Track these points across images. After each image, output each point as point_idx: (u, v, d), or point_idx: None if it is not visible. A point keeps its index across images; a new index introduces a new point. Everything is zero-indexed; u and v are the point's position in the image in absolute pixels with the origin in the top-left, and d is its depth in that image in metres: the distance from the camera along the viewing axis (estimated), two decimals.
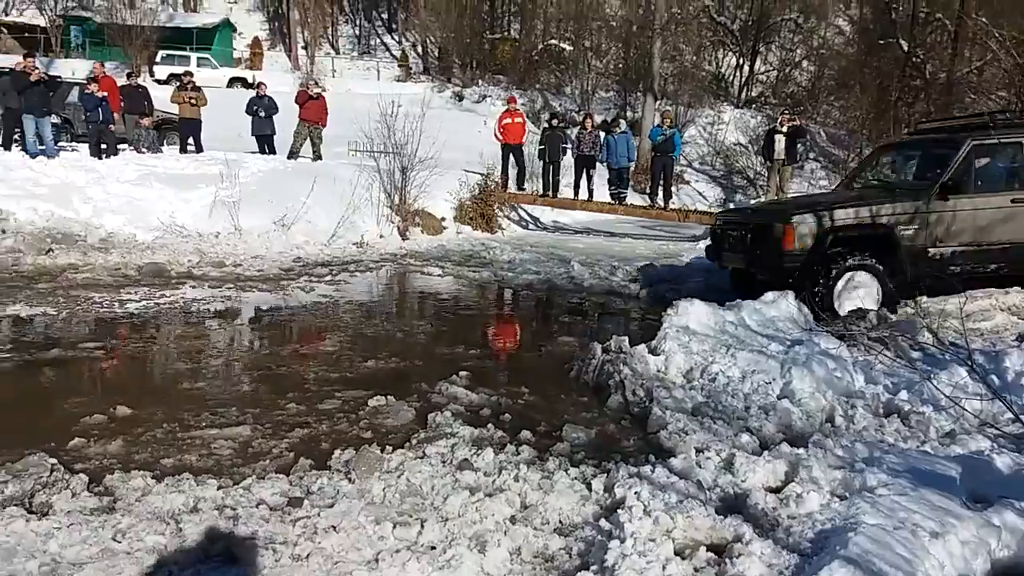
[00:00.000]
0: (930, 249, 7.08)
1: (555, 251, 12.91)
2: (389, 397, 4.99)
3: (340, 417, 4.74)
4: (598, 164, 15.71)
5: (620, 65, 35.12)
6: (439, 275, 10.22)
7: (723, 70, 36.73)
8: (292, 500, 3.57)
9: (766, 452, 4.03)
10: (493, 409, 4.90)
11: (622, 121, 17.15)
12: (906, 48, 25.08)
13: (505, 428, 4.52)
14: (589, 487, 3.73)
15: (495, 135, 15.85)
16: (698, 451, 4.05)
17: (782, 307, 6.09)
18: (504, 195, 15.85)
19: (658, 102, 26.87)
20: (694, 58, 35.10)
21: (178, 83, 15.99)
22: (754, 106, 33.35)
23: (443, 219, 15.04)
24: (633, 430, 4.63)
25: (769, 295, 6.19)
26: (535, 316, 8.75)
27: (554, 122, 16.55)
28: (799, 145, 15.76)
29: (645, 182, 18.85)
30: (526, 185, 16.12)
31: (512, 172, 15.81)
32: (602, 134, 15.90)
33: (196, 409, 4.79)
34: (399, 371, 5.80)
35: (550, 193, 15.79)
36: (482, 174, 16.04)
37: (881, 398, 4.84)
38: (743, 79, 35.33)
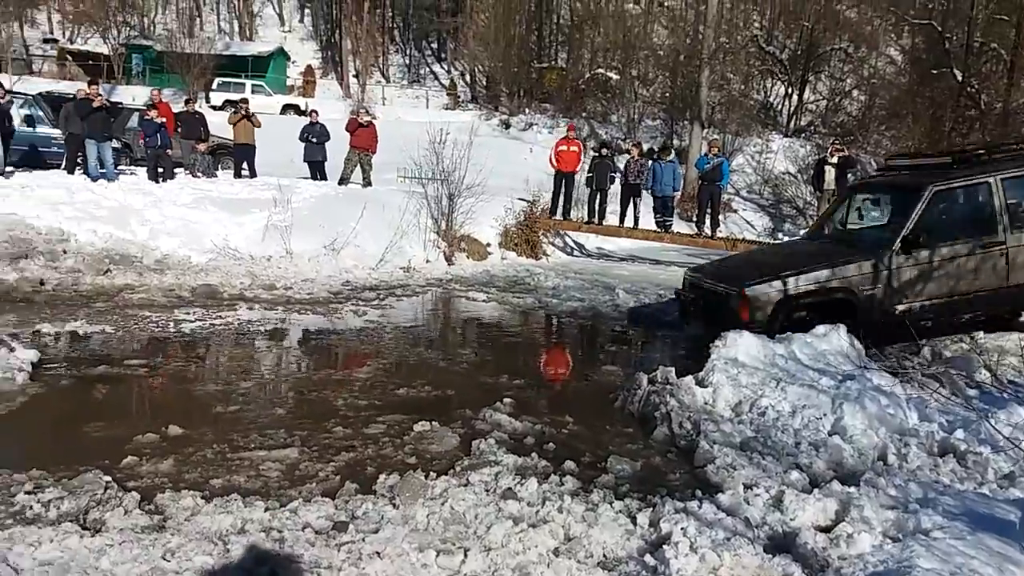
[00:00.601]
0: (897, 307, 6.64)
1: (600, 278, 12.87)
2: (434, 423, 5.02)
3: (385, 442, 4.77)
4: (644, 192, 15.67)
5: (667, 94, 35.11)
6: (483, 300, 10.26)
7: (772, 99, 36.49)
8: (337, 524, 3.60)
9: (816, 490, 3.95)
10: (537, 438, 4.88)
11: (670, 150, 17.09)
12: (960, 78, 24.64)
13: (549, 458, 4.50)
14: (634, 521, 3.69)
15: (550, 162, 15.92)
16: (746, 487, 3.98)
17: (833, 341, 5.97)
18: (549, 222, 15.89)
19: (705, 130, 26.75)
20: (742, 87, 34.95)
21: (233, 108, 16.41)
22: (803, 135, 32.99)
23: (488, 245, 15.12)
24: (679, 463, 4.57)
25: (820, 328, 6.07)
26: (579, 344, 8.72)
27: (603, 151, 16.58)
28: (849, 175, 15.49)
29: (693, 210, 18.73)
30: (572, 213, 16.15)
31: (562, 199, 15.85)
32: (649, 162, 15.87)
33: (245, 430, 4.87)
34: (443, 397, 5.82)
35: (595, 220, 15.79)
36: (528, 201, 16.11)
37: (936, 436, 4.70)
38: (792, 108, 35.01)
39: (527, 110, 36.40)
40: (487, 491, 3.96)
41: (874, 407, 4.90)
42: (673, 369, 5.56)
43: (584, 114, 34.97)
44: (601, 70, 37.45)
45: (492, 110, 37.08)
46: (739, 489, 3.95)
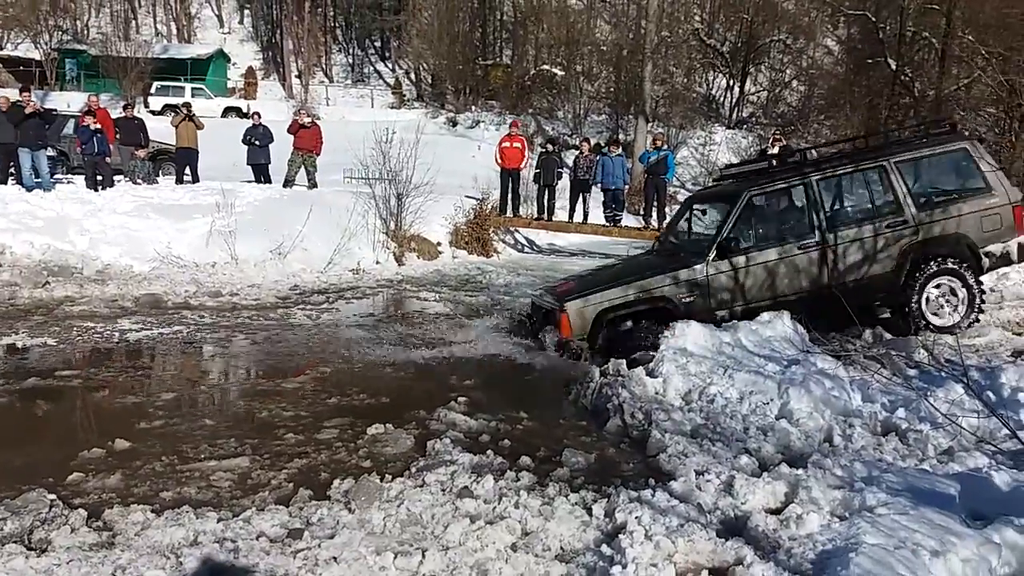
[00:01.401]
0: (717, 312, 6.68)
1: (551, 274, 12.94)
2: (388, 425, 4.99)
3: (339, 446, 4.73)
4: (593, 187, 15.81)
5: (611, 88, 35.47)
6: (435, 300, 10.24)
7: (714, 91, 37.10)
8: (292, 532, 3.56)
9: (765, 473, 4.03)
10: (492, 435, 4.90)
11: (619, 143, 17.26)
12: (894, 67, 25.38)
13: (504, 454, 4.51)
14: (590, 512, 3.73)
15: (495, 159, 15.94)
16: (698, 474, 4.05)
17: (778, 327, 6.11)
18: (499, 219, 15.92)
19: (650, 124, 27.08)
20: (685, 80, 35.48)
21: (175, 111, 16.05)
22: (745, 126, 33.66)
23: (439, 244, 15.09)
24: (633, 454, 4.63)
25: (765, 315, 6.21)
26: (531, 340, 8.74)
27: (550, 147, 16.68)
28: None
29: (639, 203, 18.96)
30: (521, 209, 16.21)
31: (510, 196, 15.89)
32: (597, 157, 16.02)
33: (194, 441, 4.78)
34: (397, 399, 5.79)
35: (545, 216, 15.87)
36: (477, 199, 16.12)
37: (879, 416, 4.85)
38: (734, 100, 35.67)
39: (473, 108, 36.39)
40: (443, 491, 3.96)
41: (819, 390, 5.03)
42: (624, 361, 5.63)
43: (531, 110, 35.12)
44: (546, 66, 37.63)
45: (438, 108, 36.99)
46: (691, 476, 4.02)
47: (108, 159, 13.44)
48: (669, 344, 5.65)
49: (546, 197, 15.84)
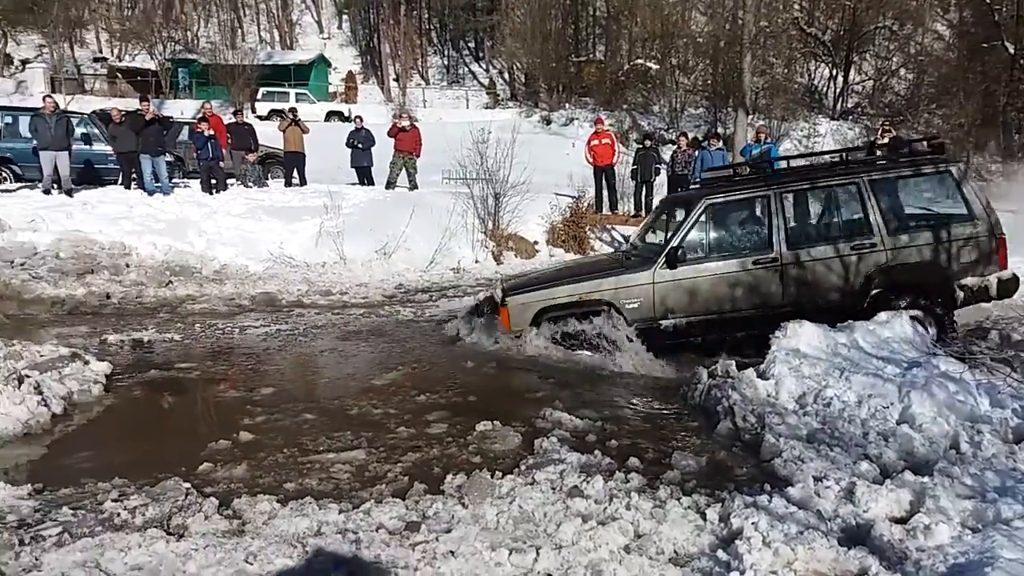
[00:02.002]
0: (661, 321, 6.48)
1: None
2: (495, 422, 5.06)
3: (449, 442, 4.83)
4: (691, 182, 15.52)
5: (708, 81, 34.76)
6: None
7: (816, 81, 35.82)
8: (410, 524, 3.67)
9: (888, 481, 3.89)
10: (598, 435, 4.90)
11: (720, 136, 16.85)
12: (1012, 50, 23.88)
13: (612, 454, 4.51)
14: (703, 516, 3.68)
15: (585, 158, 15.88)
16: (816, 480, 3.94)
17: (897, 328, 5.86)
18: (596, 217, 15.83)
19: (750, 116, 26.41)
20: (785, 71, 34.40)
21: (281, 116, 16.69)
22: (851, 117, 32.39)
23: (536, 243, 15.14)
24: (745, 457, 4.54)
25: (883, 315, 5.96)
26: None
27: (647, 142, 16.48)
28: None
29: None
30: (619, 206, 16.07)
31: (605, 193, 15.79)
32: (696, 152, 15.72)
33: (313, 434, 4.98)
34: (504, 395, 5.87)
35: (642, 213, 15.70)
36: (573, 196, 16.08)
37: (1010, 423, 4.58)
38: (837, 90, 34.35)
39: (567, 105, 36.35)
40: (553, 489, 3.99)
41: (943, 394, 4.80)
42: (733, 362, 5.52)
43: (625, 106, 34.81)
44: (640, 61, 37.20)
45: (532, 107, 37.13)
46: (809, 482, 3.92)
47: (221, 164, 14.12)
48: (780, 345, 5.51)
49: (643, 193, 15.66)
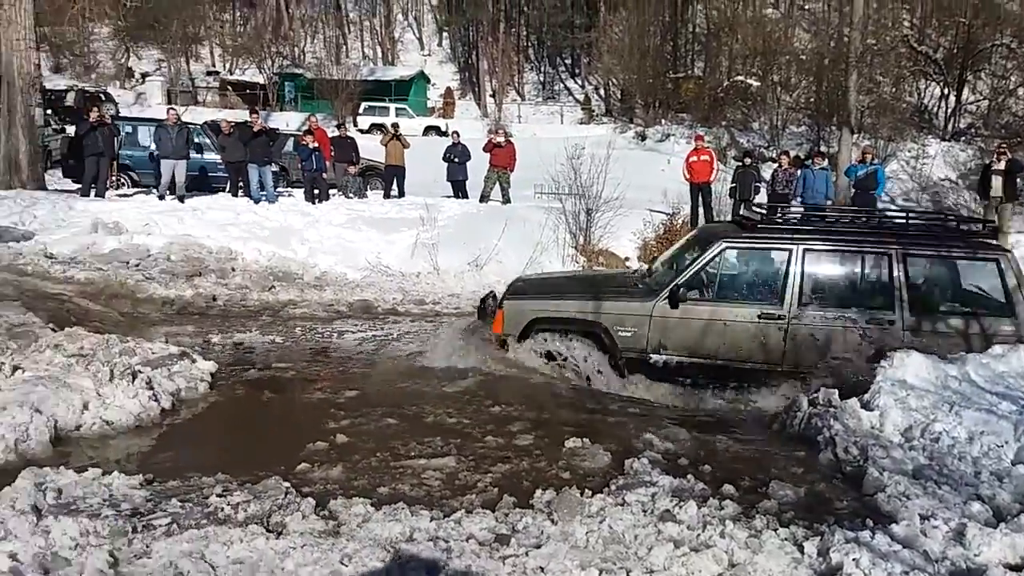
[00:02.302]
0: (652, 355, 6.25)
1: None
2: (585, 440, 5.02)
3: (538, 455, 4.84)
4: (793, 202, 15.11)
5: (811, 99, 33.74)
6: None
7: (926, 101, 34.27)
8: (499, 537, 3.68)
9: (1003, 524, 3.67)
10: (691, 459, 4.80)
11: (824, 155, 16.35)
12: None
13: (706, 480, 4.40)
14: (801, 549, 3.56)
15: (683, 174, 15.69)
16: (923, 518, 3.75)
17: (1013, 362, 5.52)
18: None
19: (855, 136, 25.49)
20: (893, 89, 33.04)
21: (383, 131, 17.14)
22: (963, 138, 30.83)
23: (627, 259, 15.02)
24: (846, 490, 4.37)
25: (998, 348, 5.63)
26: None
27: (746, 160, 16.16)
28: (1020, 181, 14.33)
29: None
30: None
31: (701, 211, 15.55)
32: (798, 171, 15.30)
33: (404, 439, 5.07)
34: (593, 412, 5.83)
35: None
36: (667, 213, 15.90)
37: None
38: (949, 110, 32.75)
39: (663, 121, 35.98)
40: (644, 512, 3.93)
41: None
42: (836, 391, 5.32)
43: (724, 123, 34.18)
44: (740, 77, 36.49)
45: (627, 122, 36.92)
46: (915, 520, 3.73)
47: (324, 175, 14.62)
48: (887, 375, 5.28)
49: (742, 212, 15.34)
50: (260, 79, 42.35)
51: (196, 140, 15.79)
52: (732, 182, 15.52)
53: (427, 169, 17.12)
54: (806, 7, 40.41)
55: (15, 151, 14.47)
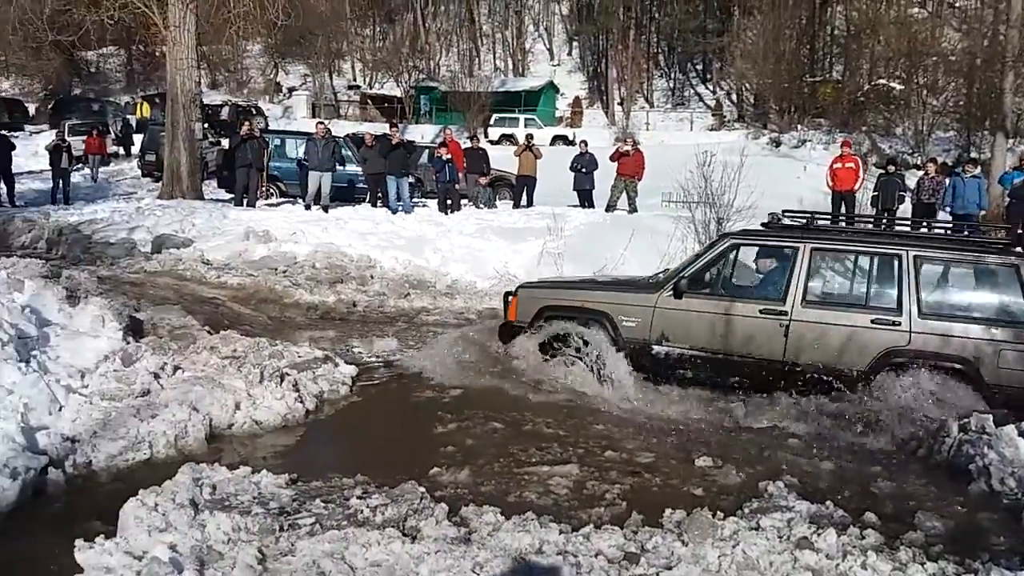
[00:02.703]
0: (654, 347, 6.26)
1: None
2: (716, 458, 4.93)
3: (666, 472, 4.80)
4: (940, 212, 14.22)
5: (961, 102, 31.62)
6: None
7: None
8: (629, 555, 3.67)
9: None
10: (830, 484, 4.62)
11: (976, 162, 15.31)
12: None
13: (846, 507, 4.22)
14: None
15: (826, 182, 15.08)
16: None
17: None
18: None
19: (1010, 141, 23.66)
20: None
21: (515, 142, 17.43)
22: None
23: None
24: (1003, 525, 4.08)
25: None
26: None
27: (890, 167, 15.35)
28: None
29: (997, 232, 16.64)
30: None
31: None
32: (946, 179, 14.39)
33: (523, 443, 5.15)
34: (726, 430, 5.71)
35: None
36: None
37: None
38: None
39: (799, 126, 34.72)
40: (780, 538, 3.81)
41: None
42: (991, 416, 4.97)
43: (864, 128, 32.61)
44: (882, 80, 34.72)
45: (760, 128, 35.85)
46: None
47: (457, 186, 15.04)
48: None
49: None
50: (397, 92, 44.01)
51: (342, 153, 16.64)
52: (874, 190, 14.80)
53: (554, 178, 17.26)
54: (956, 5, 37.85)
55: (177, 163, 15.74)
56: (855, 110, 34.19)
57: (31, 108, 36.14)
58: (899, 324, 5.73)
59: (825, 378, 5.80)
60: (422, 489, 4.26)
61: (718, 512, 4.11)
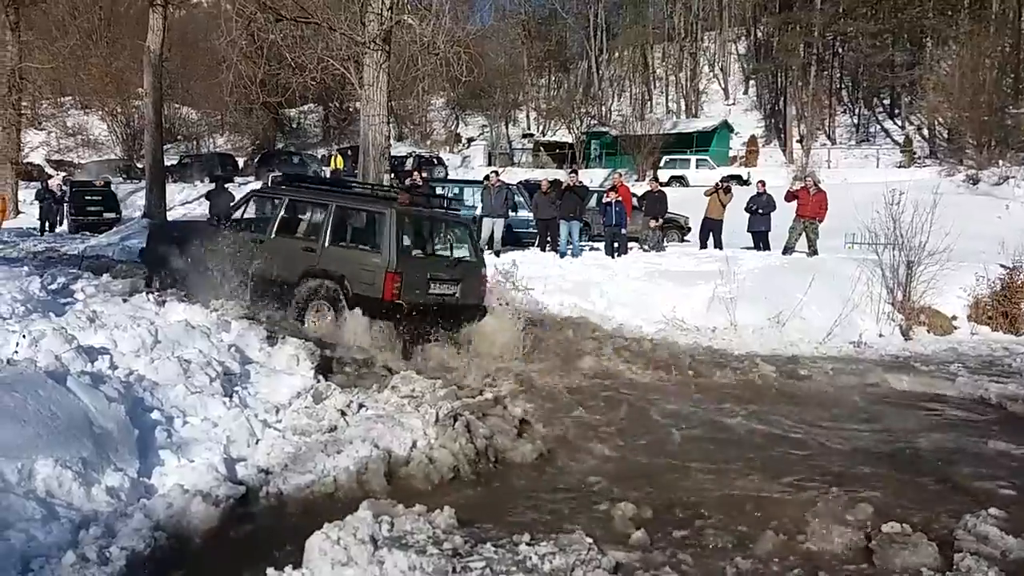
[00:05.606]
0: None
1: None
2: (904, 525, 4.58)
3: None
4: None
5: None
6: (947, 381, 9.21)
7: None
8: None
9: None
10: None
11: None
12: None
13: None
14: None
15: None
16: None
17: None
18: None
19: None
20: None
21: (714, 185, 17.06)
22: None
23: (954, 317, 13.46)
24: None
25: None
26: None
27: None
28: None
29: None
30: None
31: None
32: None
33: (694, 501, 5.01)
34: (911, 494, 5.30)
35: None
36: (1007, 267, 13.99)
37: None
38: None
39: (1000, 162, 31.77)
40: None
41: None
42: None
43: None
44: None
45: (955, 164, 33.17)
46: None
47: (624, 230, 15.08)
48: None
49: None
50: (569, 139, 44.88)
51: (515, 199, 17.25)
52: None
53: (727, 220, 16.84)
54: None
55: None
56: None
57: (240, 161, 40.28)
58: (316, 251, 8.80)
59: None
60: (589, 540, 4.26)
61: None
